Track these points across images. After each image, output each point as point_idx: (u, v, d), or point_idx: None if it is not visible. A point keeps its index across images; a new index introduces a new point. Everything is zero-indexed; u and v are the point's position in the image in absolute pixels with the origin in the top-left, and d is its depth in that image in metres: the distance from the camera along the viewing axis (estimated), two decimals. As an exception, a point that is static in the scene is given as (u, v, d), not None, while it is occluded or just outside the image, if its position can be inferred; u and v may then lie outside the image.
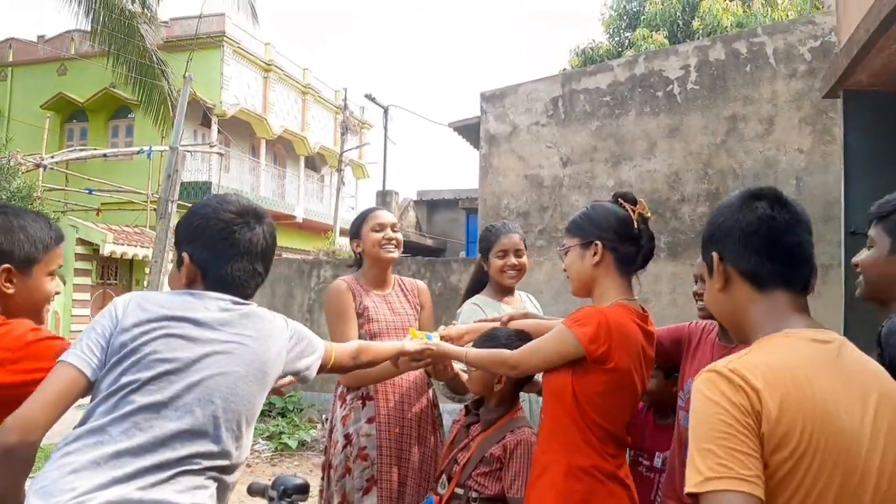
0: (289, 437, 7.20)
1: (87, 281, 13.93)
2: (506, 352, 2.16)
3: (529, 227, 7.22)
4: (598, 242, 2.02)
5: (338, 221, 18.96)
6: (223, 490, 1.60)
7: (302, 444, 7.13)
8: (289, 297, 8.86)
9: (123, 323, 1.60)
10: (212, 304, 1.67)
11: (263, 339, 1.69)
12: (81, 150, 15.82)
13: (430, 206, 17.90)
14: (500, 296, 3.04)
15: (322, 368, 1.92)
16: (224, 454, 1.57)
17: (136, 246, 14.38)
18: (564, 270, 2.15)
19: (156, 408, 1.51)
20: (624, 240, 2.02)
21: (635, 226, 2.03)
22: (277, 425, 7.69)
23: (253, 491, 1.93)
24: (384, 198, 17.04)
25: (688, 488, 1.13)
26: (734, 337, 1.41)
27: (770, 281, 1.32)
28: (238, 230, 1.74)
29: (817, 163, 6.41)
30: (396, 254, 2.81)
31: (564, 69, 14.78)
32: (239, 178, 20.17)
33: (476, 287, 3.16)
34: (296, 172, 23.10)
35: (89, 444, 1.47)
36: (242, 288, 1.74)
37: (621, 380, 1.94)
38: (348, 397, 2.69)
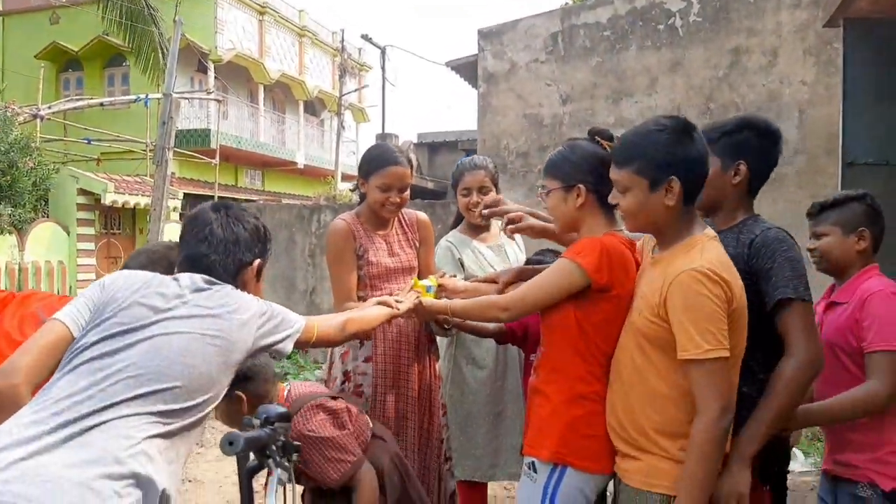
0: (294, 378, 7.35)
1: (90, 231, 13.98)
2: (493, 296, 2.18)
3: (529, 167, 7.17)
4: (581, 186, 2.03)
5: (339, 166, 18.89)
6: (175, 437, 1.58)
7: (309, 386, 7.27)
8: (290, 242, 8.90)
9: (108, 292, 1.70)
10: (184, 281, 1.76)
11: (228, 312, 1.72)
12: (78, 99, 15.64)
13: (431, 148, 17.72)
14: (473, 233, 3.02)
15: (305, 343, 1.97)
16: (174, 402, 1.56)
17: (137, 195, 14.37)
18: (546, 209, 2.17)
19: (101, 358, 1.57)
20: (606, 180, 2.00)
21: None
22: (282, 367, 7.84)
23: (244, 426, 1.97)
24: (384, 141, 16.85)
25: (689, 356, 1.69)
26: (654, 234, 1.91)
27: (694, 198, 1.84)
28: (199, 216, 1.88)
29: (821, 95, 6.32)
30: (397, 213, 2.77)
31: (566, 3, 14.44)
32: (238, 124, 20.00)
33: (457, 224, 3.15)
34: (295, 118, 22.88)
35: (40, 396, 1.53)
36: (209, 270, 1.81)
37: (624, 305, 1.98)
38: None
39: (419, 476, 2.68)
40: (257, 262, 1.91)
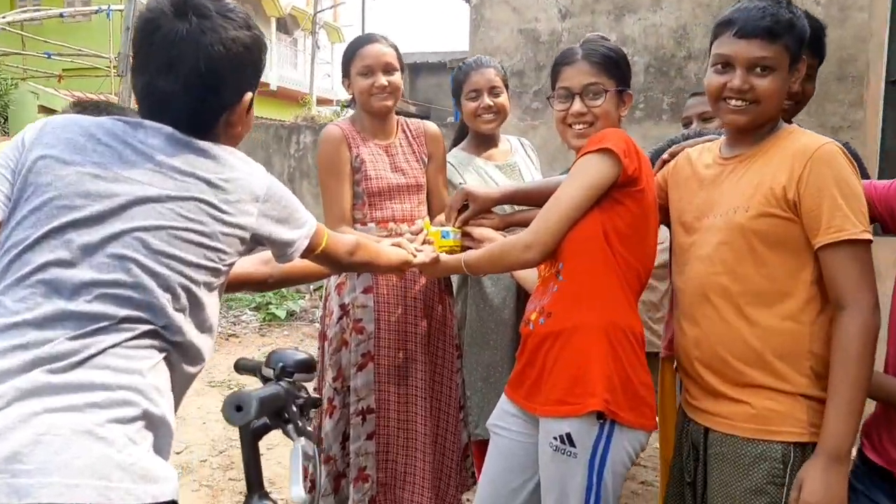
0: (277, 308, 7.06)
1: (53, 151, 13.35)
2: (509, 238, 1.84)
3: (524, 88, 6.83)
4: (630, 93, 1.83)
5: (314, 89, 18.16)
6: (177, 371, 1.25)
7: (291, 315, 7.01)
8: (267, 165, 8.44)
9: (31, 153, 1.21)
10: (151, 137, 1.24)
11: (221, 187, 1.26)
12: (35, 10, 14.73)
13: (414, 69, 17.13)
14: (479, 149, 2.63)
15: (309, 252, 1.49)
16: (167, 326, 1.20)
17: (102, 114, 13.71)
18: (583, 115, 1.78)
19: (57, 265, 1.14)
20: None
21: None
22: (264, 296, 7.54)
23: (241, 367, 1.57)
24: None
25: (847, 235, 1.45)
26: (761, 126, 1.60)
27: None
28: (161, 26, 1.24)
29: (833, 17, 5.99)
30: (391, 101, 2.36)
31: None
32: (207, 41, 19.05)
33: (459, 140, 2.75)
34: (267, 35, 21.88)
35: None
36: (180, 114, 1.26)
37: (650, 208, 1.71)
38: None
39: (433, 425, 2.41)
40: (248, 95, 1.37)
